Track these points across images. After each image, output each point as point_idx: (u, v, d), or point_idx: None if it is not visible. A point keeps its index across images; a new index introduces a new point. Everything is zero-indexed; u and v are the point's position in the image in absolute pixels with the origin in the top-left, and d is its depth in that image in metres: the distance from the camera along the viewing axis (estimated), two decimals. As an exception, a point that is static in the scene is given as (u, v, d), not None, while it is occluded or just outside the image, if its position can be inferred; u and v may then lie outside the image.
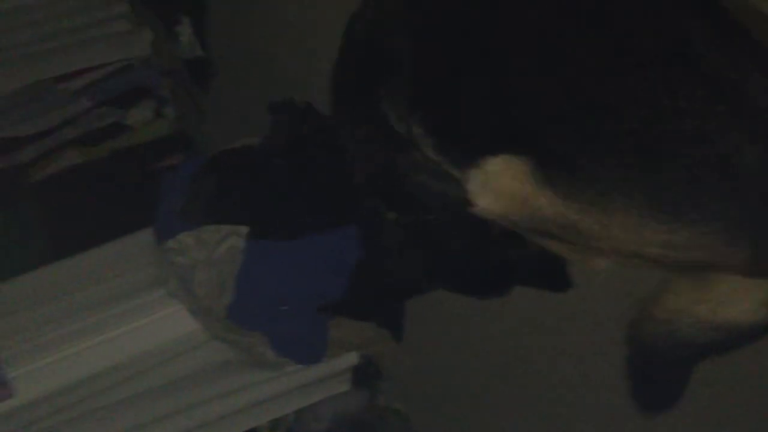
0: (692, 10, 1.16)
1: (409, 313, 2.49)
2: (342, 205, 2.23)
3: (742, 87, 1.09)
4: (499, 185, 1.29)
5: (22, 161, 3.78)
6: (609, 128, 1.16)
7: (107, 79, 3.95)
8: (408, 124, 1.44)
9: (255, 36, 3.04)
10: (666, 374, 1.42)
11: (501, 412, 2.35)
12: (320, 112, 2.47)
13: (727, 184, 1.10)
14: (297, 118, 2.54)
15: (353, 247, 2.23)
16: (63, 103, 3.86)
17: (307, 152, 2.37)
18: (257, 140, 2.50)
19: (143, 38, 3.94)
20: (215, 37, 3.37)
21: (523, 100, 1.26)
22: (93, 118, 3.92)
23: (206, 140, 3.74)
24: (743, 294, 1.22)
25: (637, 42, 1.16)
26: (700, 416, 1.63)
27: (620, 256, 1.26)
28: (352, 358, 2.56)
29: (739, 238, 1.12)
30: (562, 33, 1.23)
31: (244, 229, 2.23)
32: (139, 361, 2.44)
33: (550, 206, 1.23)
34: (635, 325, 1.41)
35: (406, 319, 2.50)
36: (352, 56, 1.65)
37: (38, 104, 3.83)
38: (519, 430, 2.31)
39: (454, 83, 1.36)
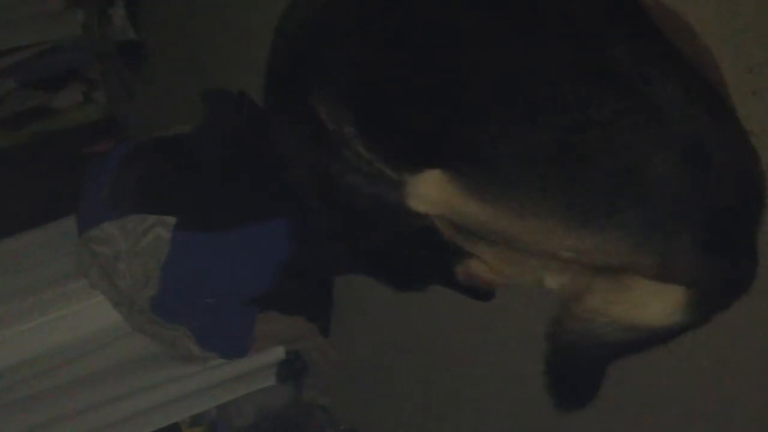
0: (614, 18, 1.17)
1: (337, 309, 2.48)
2: (274, 198, 2.21)
3: (656, 98, 1.10)
4: (430, 196, 1.31)
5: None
6: (526, 136, 1.18)
7: (35, 59, 3.83)
8: (339, 123, 1.44)
9: (190, 21, 2.99)
10: (582, 372, 1.44)
11: (426, 407, 2.37)
12: (255, 101, 2.45)
13: (636, 194, 1.12)
14: (231, 108, 2.51)
15: (284, 239, 2.21)
16: (-14, 84, 3.74)
17: (241, 143, 2.34)
18: (189, 128, 2.46)
19: (74, 19, 3.84)
20: (149, 21, 3.31)
21: (450, 105, 1.26)
22: (18, 99, 3.81)
23: (136, 126, 3.67)
24: (658, 297, 1.24)
25: (558, 50, 1.17)
26: (612, 413, 1.68)
27: (539, 257, 1.29)
28: (278, 353, 2.55)
29: (647, 245, 1.14)
30: (491, 39, 1.23)
31: (171, 220, 2.18)
32: (58, 354, 2.38)
33: (475, 210, 1.25)
34: (556, 323, 1.43)
35: (334, 314, 2.49)
36: (283, 55, 1.63)
37: (-40, 84, 3.70)
38: (443, 425, 2.33)
39: (386, 87, 1.36)
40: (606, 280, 1.32)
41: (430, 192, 1.31)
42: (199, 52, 2.98)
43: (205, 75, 2.92)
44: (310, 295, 2.43)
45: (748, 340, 1.40)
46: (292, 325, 2.47)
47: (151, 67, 3.41)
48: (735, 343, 1.42)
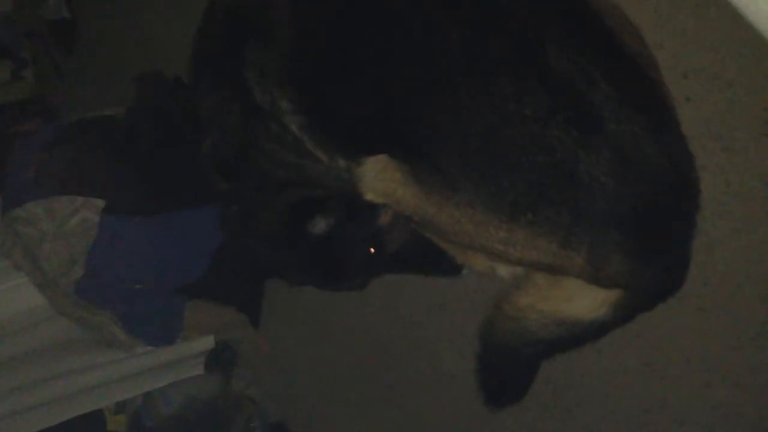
0: (553, 14, 1.16)
1: (268, 300, 2.46)
2: (207, 183, 2.17)
3: (590, 96, 1.10)
4: (375, 184, 1.30)
5: None
6: (460, 129, 1.18)
7: (-38, 34, 3.70)
8: (273, 96, 1.40)
9: (125, 1, 2.92)
10: (514, 371, 1.45)
11: (357, 401, 2.37)
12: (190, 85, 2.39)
13: (564, 191, 1.12)
14: (164, 91, 2.45)
15: (216, 227, 2.17)
16: None
17: (173, 127, 2.29)
18: (121, 111, 2.39)
19: (5, -6, 3.73)
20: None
21: (395, 95, 1.25)
22: (-58, 75, 3.67)
23: (66, 107, 3.57)
24: (586, 292, 1.25)
25: (494, 44, 1.16)
26: (541, 411, 1.70)
27: (472, 251, 1.29)
28: (207, 342, 2.50)
29: (574, 243, 1.14)
30: (431, 28, 1.22)
31: (99, 203, 2.12)
32: (-24, 336, 2.29)
33: (413, 200, 1.25)
34: (488, 323, 1.43)
35: (265, 305, 2.47)
36: (220, 16, 1.57)
37: None
38: (373, 420, 2.33)
39: (332, 70, 1.34)
40: (538, 277, 1.33)
41: (375, 179, 1.29)
42: (133, 34, 2.91)
43: (138, 57, 2.85)
44: (241, 284, 2.40)
45: (673, 344, 1.44)
46: (221, 314, 2.43)
47: (83, 47, 3.32)
48: (660, 347, 1.46)
